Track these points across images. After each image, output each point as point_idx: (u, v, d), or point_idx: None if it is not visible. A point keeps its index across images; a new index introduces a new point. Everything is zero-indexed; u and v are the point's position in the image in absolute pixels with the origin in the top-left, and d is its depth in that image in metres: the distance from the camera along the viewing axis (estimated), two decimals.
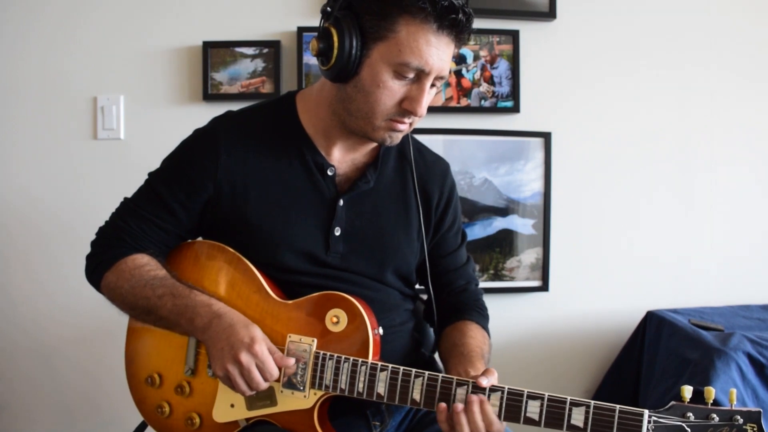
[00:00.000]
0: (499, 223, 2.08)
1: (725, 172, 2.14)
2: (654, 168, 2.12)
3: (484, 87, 2.05)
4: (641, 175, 2.12)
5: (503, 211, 2.08)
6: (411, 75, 1.07)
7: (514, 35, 2.04)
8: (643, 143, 2.11)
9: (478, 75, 2.05)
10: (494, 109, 2.06)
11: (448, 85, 2.04)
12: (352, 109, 1.11)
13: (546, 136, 2.07)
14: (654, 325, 1.95)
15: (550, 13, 2.05)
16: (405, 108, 1.09)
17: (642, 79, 2.11)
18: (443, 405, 1.02)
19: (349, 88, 1.10)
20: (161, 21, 2.01)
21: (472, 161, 2.05)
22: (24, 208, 2.01)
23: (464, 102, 2.05)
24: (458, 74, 2.04)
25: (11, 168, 2.01)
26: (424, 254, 1.28)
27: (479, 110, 2.05)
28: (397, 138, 1.15)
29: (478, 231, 2.06)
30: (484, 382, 1.01)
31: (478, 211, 2.06)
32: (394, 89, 1.08)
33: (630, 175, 2.12)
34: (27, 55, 2.00)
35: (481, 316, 1.30)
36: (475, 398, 1.01)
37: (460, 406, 1.01)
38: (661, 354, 1.85)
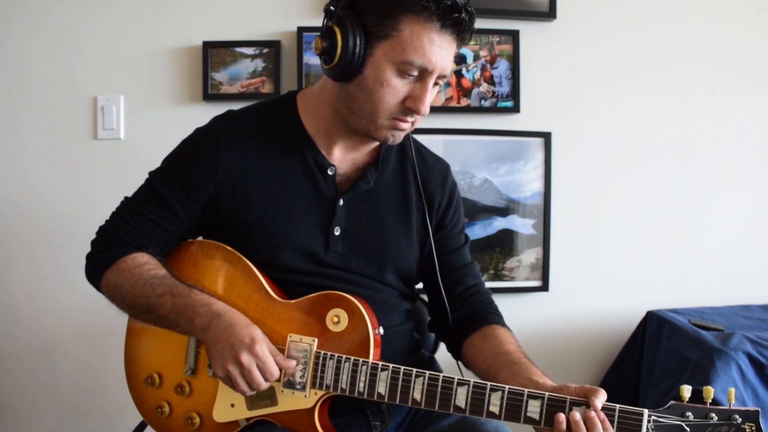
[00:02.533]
0: (499, 223, 2.08)
1: (725, 172, 2.14)
2: (654, 168, 2.12)
3: (484, 87, 2.05)
4: (641, 175, 2.12)
5: (503, 211, 2.08)
6: (414, 73, 1.08)
7: (514, 35, 2.04)
8: (643, 143, 2.12)
9: (478, 75, 2.05)
10: (494, 109, 2.06)
11: (448, 85, 2.04)
12: (355, 108, 1.12)
13: (546, 136, 2.07)
14: (654, 325, 1.95)
15: (550, 13, 2.05)
16: (408, 106, 1.10)
17: (642, 78, 2.11)
18: (562, 416, 0.97)
19: (352, 87, 1.10)
20: (161, 21, 2.01)
21: (472, 161, 2.05)
22: (24, 207, 2.01)
23: (464, 102, 2.05)
24: (458, 74, 2.05)
25: (12, 167, 2.01)
26: (426, 255, 1.28)
27: (479, 110, 2.06)
28: (400, 137, 1.15)
29: (478, 231, 2.06)
30: (598, 403, 0.97)
31: (478, 211, 2.06)
32: (397, 88, 1.08)
33: (630, 175, 2.12)
34: (28, 56, 2.00)
35: (502, 319, 1.29)
36: (594, 416, 0.96)
37: (577, 415, 0.97)
38: (661, 354, 1.85)
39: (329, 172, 1.20)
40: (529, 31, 2.06)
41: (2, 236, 2.02)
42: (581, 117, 2.10)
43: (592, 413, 0.96)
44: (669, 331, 1.86)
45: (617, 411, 0.96)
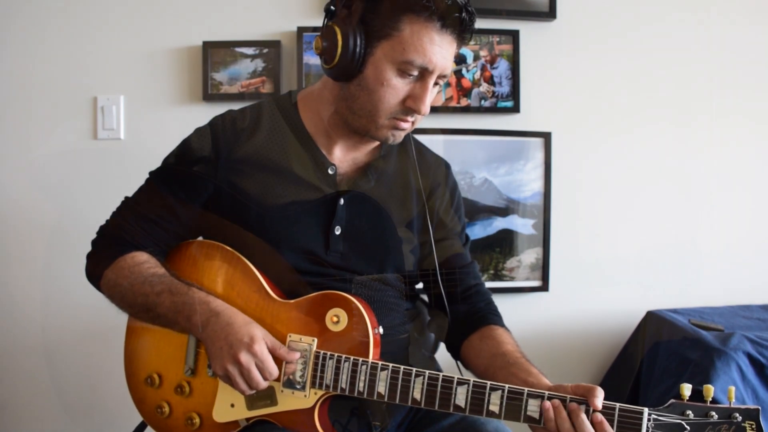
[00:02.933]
0: (499, 223, 2.08)
1: (726, 172, 2.14)
2: (654, 167, 2.12)
3: (484, 87, 2.05)
4: (641, 175, 2.12)
5: (503, 211, 2.07)
6: (415, 73, 1.08)
7: (514, 35, 2.04)
8: (642, 143, 2.11)
9: (478, 75, 2.05)
10: (494, 109, 2.06)
11: (448, 85, 2.04)
12: (356, 108, 1.12)
13: (546, 136, 2.07)
14: (654, 325, 1.95)
15: (550, 13, 2.05)
16: (408, 106, 1.10)
17: (642, 78, 2.10)
18: (548, 403, 0.99)
19: (353, 86, 1.10)
20: (161, 21, 2.01)
21: (472, 161, 2.05)
22: (25, 207, 2.01)
23: (464, 102, 2.05)
24: (458, 74, 2.05)
25: (12, 167, 2.01)
26: (425, 254, 1.28)
27: (479, 110, 2.06)
28: (400, 136, 1.15)
29: (478, 231, 2.06)
30: (598, 403, 0.97)
31: (478, 211, 2.06)
32: (397, 87, 1.08)
33: (630, 174, 2.12)
34: (28, 56, 2.00)
35: (501, 319, 1.29)
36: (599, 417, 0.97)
37: (548, 403, 0.98)
38: (661, 354, 1.85)
39: (329, 172, 1.20)
40: (529, 31, 2.06)
41: (2, 236, 2.02)
42: (581, 117, 2.10)
43: (574, 405, 0.97)
44: (669, 331, 1.86)
45: (617, 410, 0.96)
